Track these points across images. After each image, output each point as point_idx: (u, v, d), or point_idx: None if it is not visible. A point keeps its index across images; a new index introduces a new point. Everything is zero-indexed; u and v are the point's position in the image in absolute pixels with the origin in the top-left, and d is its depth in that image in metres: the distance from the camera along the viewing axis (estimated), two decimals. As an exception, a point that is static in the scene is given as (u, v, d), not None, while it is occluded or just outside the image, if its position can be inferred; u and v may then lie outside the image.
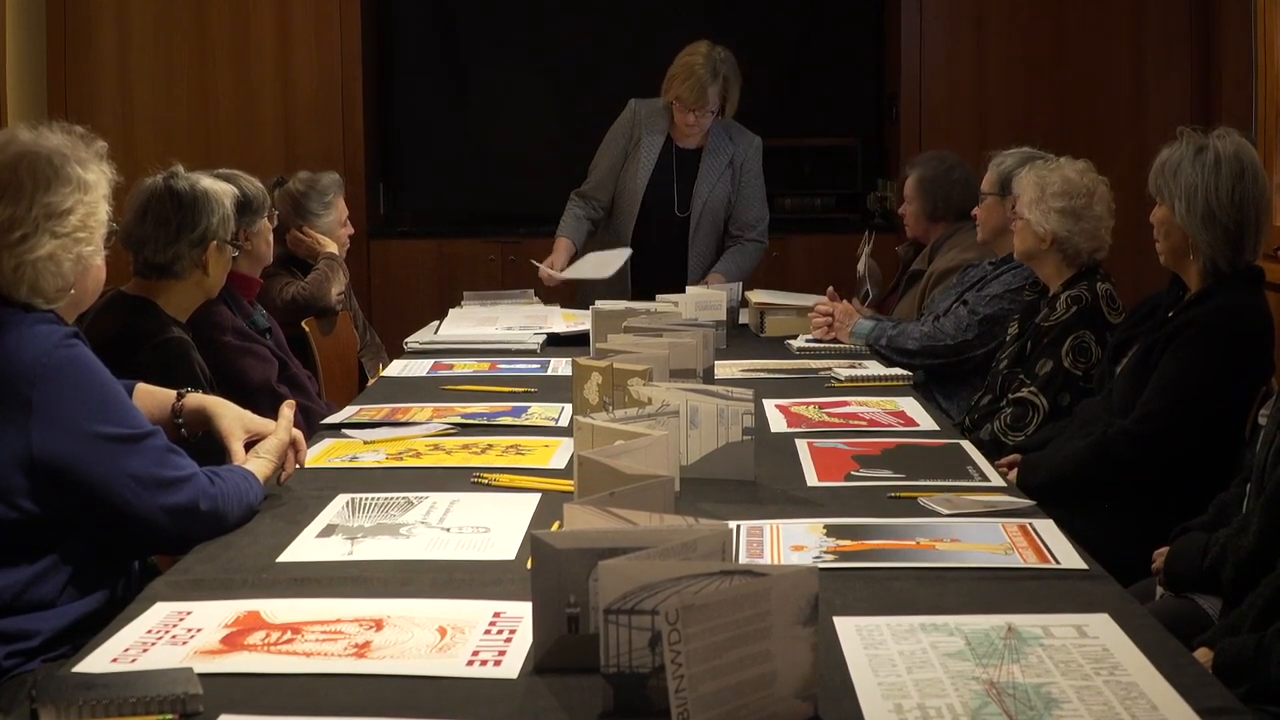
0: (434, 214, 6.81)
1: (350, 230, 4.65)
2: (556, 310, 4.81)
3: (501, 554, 2.11)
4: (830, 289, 4.43)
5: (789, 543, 2.15)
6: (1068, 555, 2.07)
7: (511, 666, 1.66)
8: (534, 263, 4.81)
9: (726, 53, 4.80)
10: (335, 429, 3.04)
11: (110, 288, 2.86)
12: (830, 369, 3.74)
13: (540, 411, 3.19)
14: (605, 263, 4.68)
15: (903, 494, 2.44)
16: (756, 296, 4.62)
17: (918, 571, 2.01)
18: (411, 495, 2.44)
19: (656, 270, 4.86)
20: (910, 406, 3.27)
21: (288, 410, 2.50)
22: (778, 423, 3.08)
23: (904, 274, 4.72)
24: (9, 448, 2.05)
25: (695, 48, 4.79)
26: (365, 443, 2.88)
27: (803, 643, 1.48)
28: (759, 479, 2.55)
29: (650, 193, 4.91)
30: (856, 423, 3.09)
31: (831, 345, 4.15)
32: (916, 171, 4.59)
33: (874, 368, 3.79)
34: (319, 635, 1.77)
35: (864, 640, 1.72)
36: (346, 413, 3.22)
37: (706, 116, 4.80)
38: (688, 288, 4.40)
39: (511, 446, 2.83)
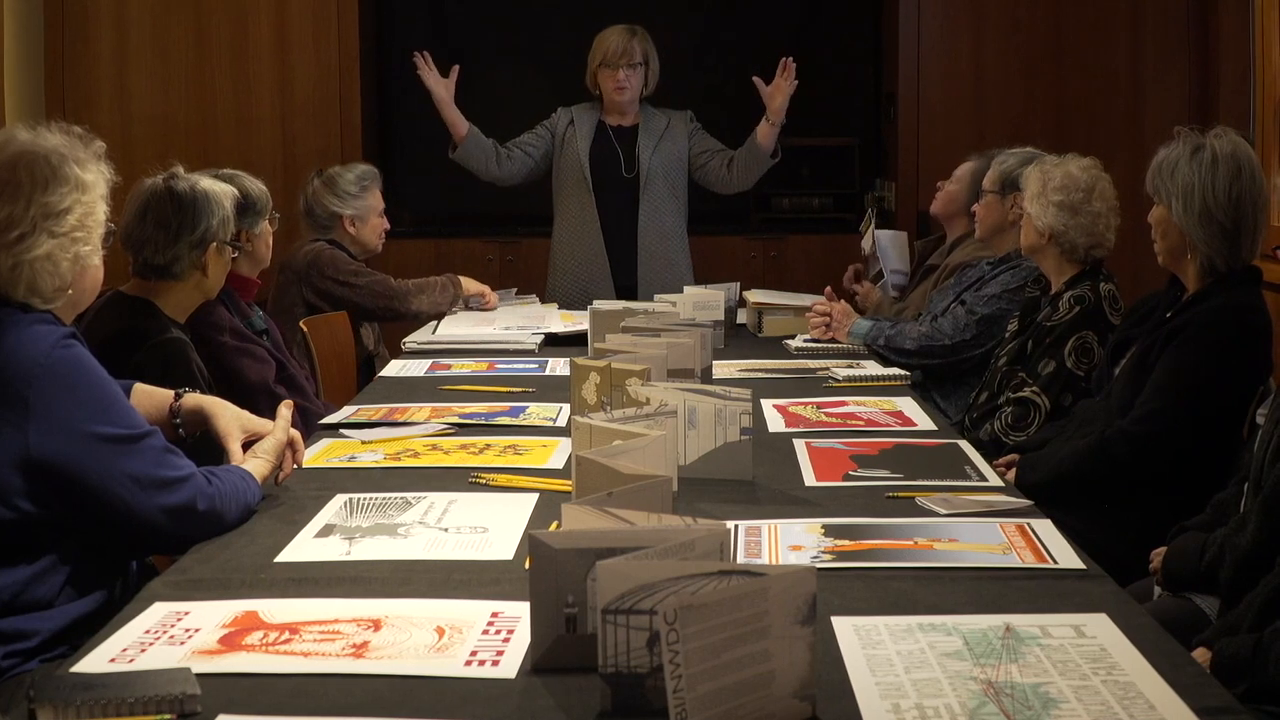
0: (432, 214, 6.80)
1: (386, 225, 4.72)
2: (554, 310, 4.83)
3: (499, 554, 2.11)
4: (828, 288, 4.43)
5: (787, 542, 2.15)
6: (1065, 555, 2.07)
7: (509, 666, 1.66)
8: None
9: (643, 29, 5.02)
10: (333, 429, 3.04)
11: (109, 288, 2.86)
12: (828, 369, 3.74)
13: (538, 411, 3.19)
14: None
15: (901, 494, 2.44)
16: (754, 296, 4.62)
17: (916, 571, 2.01)
18: (409, 495, 2.44)
19: (615, 233, 4.98)
20: (908, 406, 3.27)
21: (286, 410, 2.50)
22: (776, 423, 3.08)
23: (920, 266, 4.71)
24: (6, 448, 2.05)
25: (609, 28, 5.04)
26: (363, 443, 2.88)
27: (800, 642, 1.48)
28: (757, 479, 2.55)
29: (594, 163, 5.01)
30: (854, 422, 3.09)
31: (829, 345, 4.15)
32: (978, 163, 4.49)
33: (872, 367, 3.79)
34: (317, 635, 1.77)
35: (862, 640, 1.72)
36: (344, 413, 3.22)
37: (636, 73, 4.96)
38: (686, 288, 4.40)
39: (509, 446, 2.83)
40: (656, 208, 5.01)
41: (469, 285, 4.78)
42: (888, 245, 4.89)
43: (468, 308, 4.79)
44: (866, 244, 4.92)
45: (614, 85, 4.96)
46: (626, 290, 4.89)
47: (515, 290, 5.18)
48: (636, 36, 4.96)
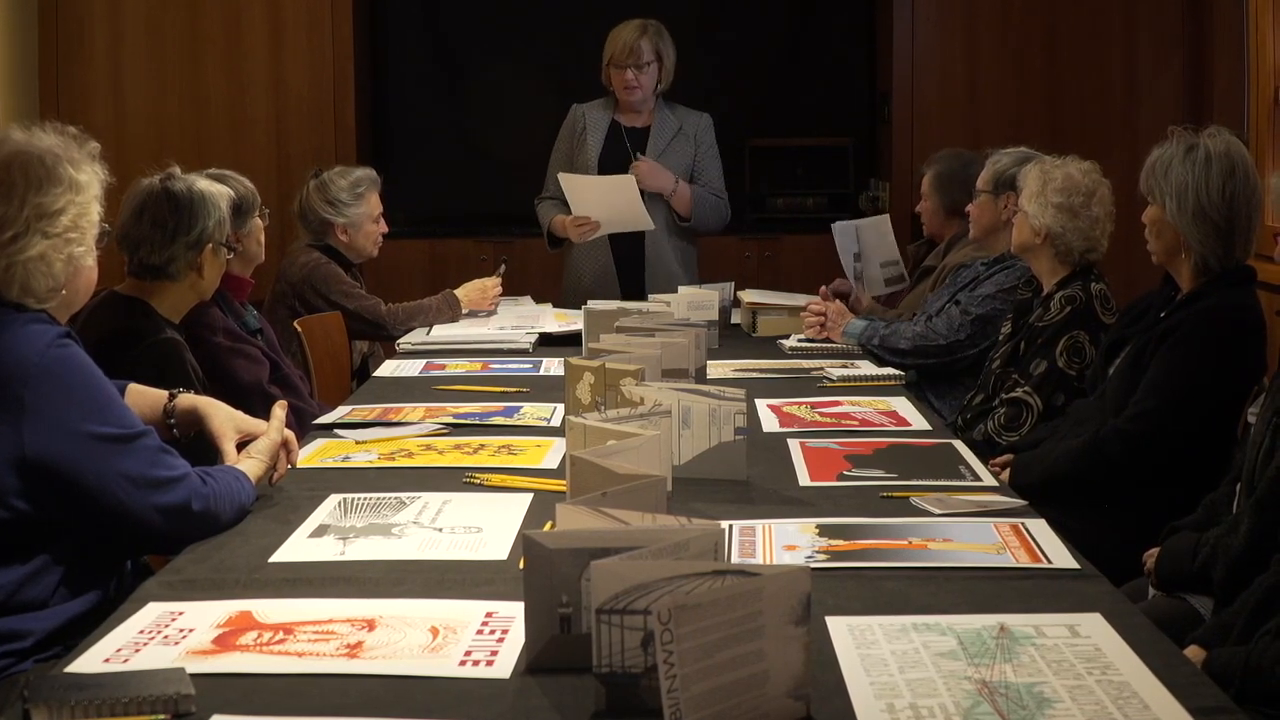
0: (427, 214, 6.80)
1: (384, 228, 4.65)
2: (549, 310, 4.82)
3: (494, 554, 2.11)
4: (823, 288, 4.43)
5: (781, 542, 2.15)
6: (1060, 555, 2.07)
7: (504, 666, 1.66)
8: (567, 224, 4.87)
9: (658, 24, 4.93)
10: (327, 429, 3.04)
11: (103, 288, 2.86)
12: (822, 369, 3.74)
13: (532, 411, 3.19)
14: (615, 203, 4.76)
15: (895, 494, 2.45)
16: (749, 296, 4.62)
17: (910, 571, 2.01)
18: (404, 495, 2.44)
19: (622, 242, 4.92)
20: (902, 406, 3.27)
21: (280, 410, 2.50)
22: (770, 423, 3.08)
23: (915, 269, 4.72)
24: (1, 448, 2.05)
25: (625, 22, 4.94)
26: (357, 443, 2.88)
27: (795, 642, 1.48)
28: (751, 479, 2.56)
29: (603, 168, 4.95)
30: (849, 422, 3.09)
31: (824, 345, 4.15)
32: (934, 168, 4.56)
33: (866, 367, 3.79)
34: (311, 635, 1.77)
35: (856, 640, 1.72)
36: (339, 413, 3.22)
37: (646, 73, 4.88)
38: (680, 288, 4.40)
39: (504, 446, 2.83)
40: (663, 221, 4.97)
41: (468, 294, 4.71)
42: (864, 247, 4.89)
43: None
44: (846, 266, 4.94)
45: (623, 85, 4.90)
46: (635, 299, 4.83)
47: (504, 263, 5.12)
48: (647, 34, 4.87)
